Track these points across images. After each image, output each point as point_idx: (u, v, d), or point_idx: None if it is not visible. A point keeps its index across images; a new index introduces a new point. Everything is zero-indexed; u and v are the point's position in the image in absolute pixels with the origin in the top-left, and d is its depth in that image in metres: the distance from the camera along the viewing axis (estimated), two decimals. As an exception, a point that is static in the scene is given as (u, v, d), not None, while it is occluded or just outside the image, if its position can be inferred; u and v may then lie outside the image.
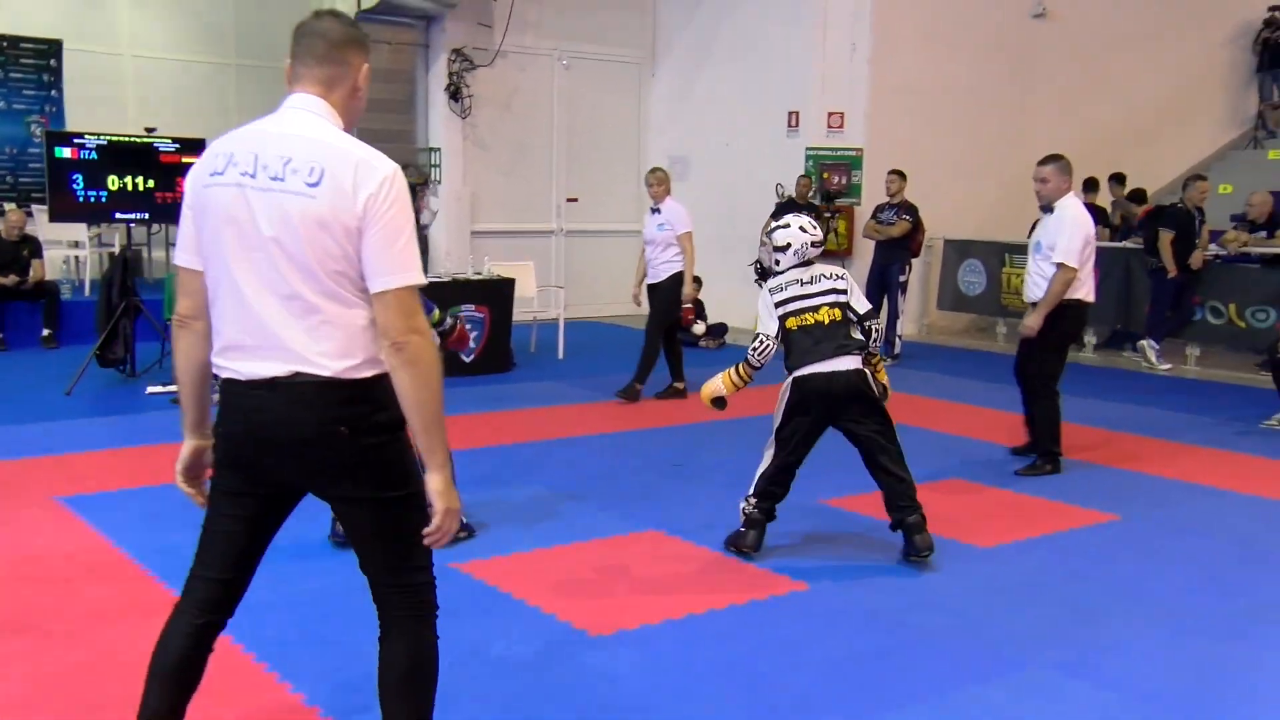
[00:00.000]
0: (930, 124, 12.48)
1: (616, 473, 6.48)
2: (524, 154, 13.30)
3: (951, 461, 6.86)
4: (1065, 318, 6.36)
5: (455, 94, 12.57)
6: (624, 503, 5.83)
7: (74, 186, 8.44)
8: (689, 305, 11.83)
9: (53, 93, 13.00)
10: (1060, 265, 6.21)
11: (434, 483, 2.53)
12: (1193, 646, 4.12)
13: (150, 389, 8.37)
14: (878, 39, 12.11)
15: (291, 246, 2.43)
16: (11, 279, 10.21)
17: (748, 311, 13.02)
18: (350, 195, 2.41)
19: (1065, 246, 6.20)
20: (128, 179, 8.64)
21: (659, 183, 8.60)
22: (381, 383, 2.51)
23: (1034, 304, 6.41)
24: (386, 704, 2.69)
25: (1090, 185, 12.18)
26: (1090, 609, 4.46)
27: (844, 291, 4.93)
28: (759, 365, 5.01)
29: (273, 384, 2.49)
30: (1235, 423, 8.10)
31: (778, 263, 4.99)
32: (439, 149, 12.72)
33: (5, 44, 12.77)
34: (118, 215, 8.81)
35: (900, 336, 10.86)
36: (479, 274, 10.03)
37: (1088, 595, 4.61)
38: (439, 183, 12.71)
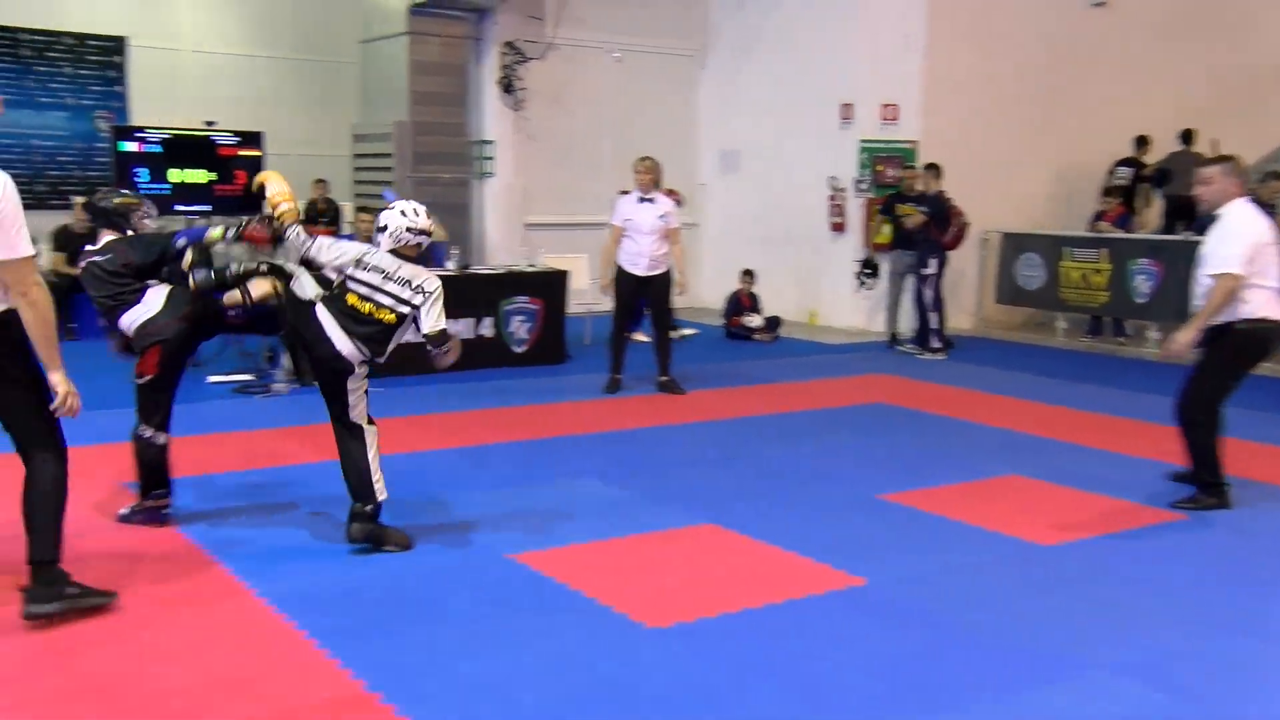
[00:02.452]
0: (985, 115, 12.32)
1: (671, 465, 6.47)
2: (576, 147, 13.32)
3: (1007, 456, 6.79)
4: (1233, 338, 5.54)
5: (507, 87, 12.62)
6: (678, 495, 5.82)
7: (138, 180, 8.59)
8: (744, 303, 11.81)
9: (117, 88, 13.25)
10: (1219, 275, 5.45)
11: (54, 378, 3.87)
12: (1249, 649, 4.04)
13: (211, 378, 8.50)
14: (931, 30, 11.97)
15: None
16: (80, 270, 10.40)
17: (801, 304, 13.03)
18: None
19: (1223, 254, 5.45)
20: (188, 172, 8.78)
21: (649, 171, 8.49)
22: (7, 316, 3.80)
23: None
24: (30, 515, 3.93)
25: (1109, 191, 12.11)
26: (1148, 610, 4.38)
27: (416, 306, 4.77)
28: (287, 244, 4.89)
29: None
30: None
31: (378, 243, 4.86)
32: (492, 141, 12.78)
33: (73, 41, 13.03)
34: (179, 207, 8.95)
35: (936, 330, 10.71)
36: (532, 266, 10.07)
37: (1146, 595, 4.53)
38: (491, 175, 12.77)
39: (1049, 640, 4.06)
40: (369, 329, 4.76)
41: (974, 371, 9.89)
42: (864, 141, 12.27)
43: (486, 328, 9.44)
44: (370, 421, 4.89)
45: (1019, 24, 12.52)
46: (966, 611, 4.31)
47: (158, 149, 8.63)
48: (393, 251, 4.85)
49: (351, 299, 4.77)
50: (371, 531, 4.82)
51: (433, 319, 4.80)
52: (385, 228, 4.86)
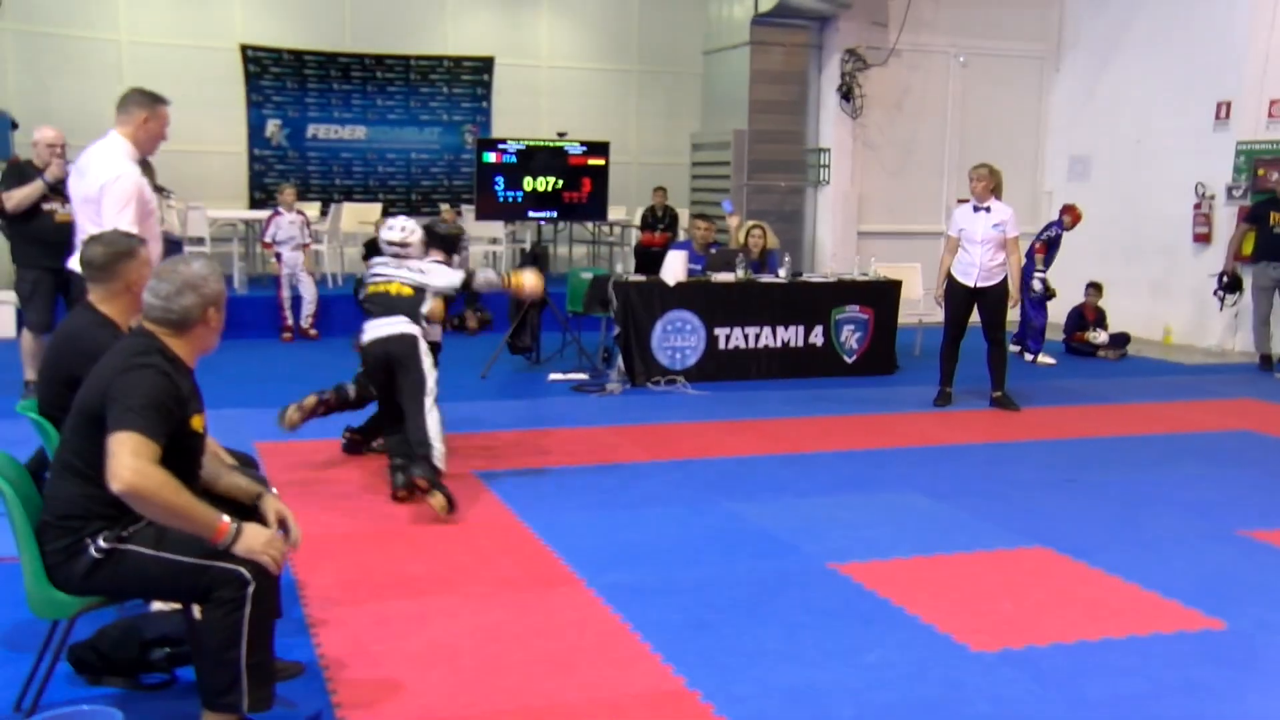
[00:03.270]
0: None
1: (1001, 483, 6.19)
2: (914, 154, 13.02)
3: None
4: None
5: (847, 94, 12.52)
6: (1009, 515, 5.55)
7: (496, 188, 9.25)
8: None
9: (483, 104, 14.43)
10: None
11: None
12: None
13: (552, 376, 9.02)
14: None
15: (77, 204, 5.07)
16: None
17: (1153, 321, 12.06)
18: (93, 182, 4.86)
19: None
20: (540, 180, 9.36)
21: (983, 179, 8.06)
22: None
23: None
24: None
25: None
26: None
27: (426, 284, 5.87)
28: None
29: None
30: None
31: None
32: (828, 149, 12.73)
33: (451, 64, 14.32)
34: (531, 214, 9.55)
35: None
36: (864, 275, 9.95)
37: None
38: (827, 183, 12.73)
39: None
40: (394, 303, 5.76)
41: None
42: (1243, 143, 11.16)
43: (817, 336, 9.42)
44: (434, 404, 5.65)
45: None
46: (1347, 670, 3.83)
47: (513, 159, 9.26)
48: (396, 257, 5.99)
49: (370, 288, 5.89)
50: (429, 473, 5.35)
51: (442, 279, 5.93)
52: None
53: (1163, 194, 11.79)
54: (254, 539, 3.01)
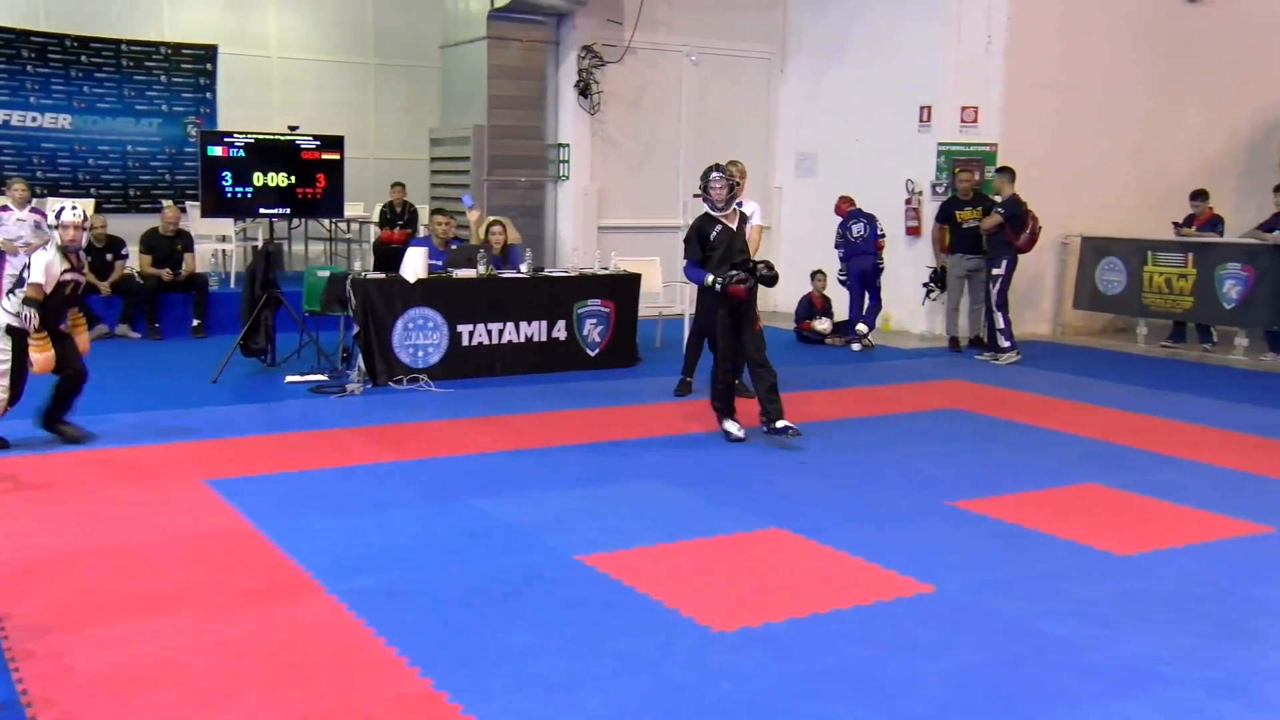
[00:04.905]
0: (1070, 118, 12.09)
1: (740, 469, 6.46)
2: (651, 150, 13.35)
3: (1084, 465, 6.64)
4: None
5: (585, 90, 12.69)
6: (747, 499, 5.80)
7: (223, 183, 8.77)
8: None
9: (208, 95, 13.64)
10: None
11: None
12: (1350, 668, 3.90)
13: (289, 378, 8.68)
14: (1015, 31, 11.78)
15: None
16: (166, 273, 10.71)
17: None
18: None
19: None
20: (271, 176, 8.95)
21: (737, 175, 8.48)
22: None
23: None
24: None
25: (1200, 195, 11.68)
26: (1241, 627, 4.25)
27: None
28: None
29: None
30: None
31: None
32: (568, 145, 12.86)
33: (168, 50, 13.44)
34: (261, 210, 9.13)
35: (1004, 329, 10.56)
36: (605, 269, 10.12)
37: (1238, 612, 4.40)
38: (567, 178, 12.86)
39: (1131, 653, 3.96)
40: None
41: (1051, 378, 9.70)
42: (942, 144, 12.11)
43: (560, 330, 9.50)
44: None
45: (1107, 23, 12.26)
46: (1041, 621, 4.23)
47: (242, 154, 8.82)
48: None
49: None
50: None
51: None
52: None
53: (879, 190, 12.56)
54: None
